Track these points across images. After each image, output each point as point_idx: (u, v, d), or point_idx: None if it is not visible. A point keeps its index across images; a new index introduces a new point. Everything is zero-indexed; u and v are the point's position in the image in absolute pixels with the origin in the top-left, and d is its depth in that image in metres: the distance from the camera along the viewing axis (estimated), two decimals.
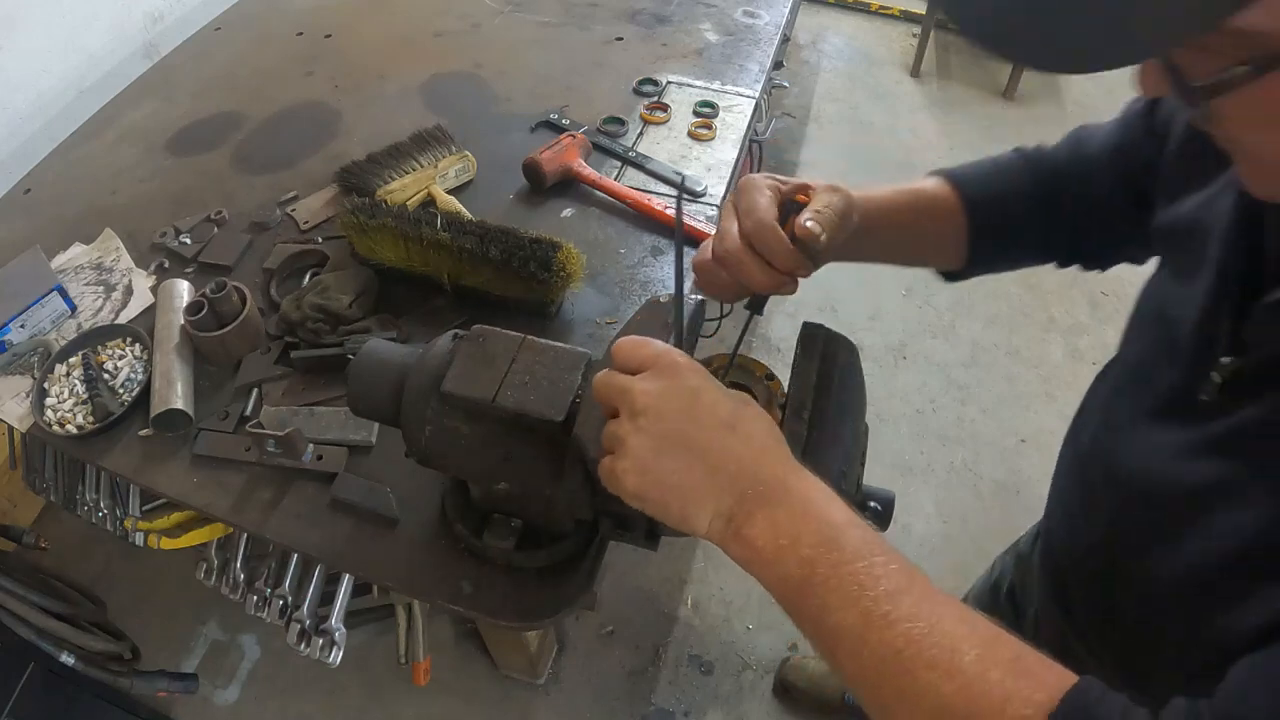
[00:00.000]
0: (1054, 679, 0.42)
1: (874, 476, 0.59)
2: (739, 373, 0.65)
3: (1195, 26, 0.34)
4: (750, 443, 0.50)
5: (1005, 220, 0.74)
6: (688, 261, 0.70)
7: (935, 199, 0.73)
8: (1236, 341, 0.52)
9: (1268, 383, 0.49)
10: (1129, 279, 2.67)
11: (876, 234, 0.69)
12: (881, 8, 3.68)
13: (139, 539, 1.06)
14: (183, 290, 1.07)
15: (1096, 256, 0.78)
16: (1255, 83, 0.37)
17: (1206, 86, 0.39)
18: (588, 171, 1.23)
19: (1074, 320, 2.43)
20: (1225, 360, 0.52)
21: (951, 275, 0.80)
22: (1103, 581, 0.67)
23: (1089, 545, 0.68)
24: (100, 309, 1.11)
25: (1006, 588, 0.95)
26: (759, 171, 1.74)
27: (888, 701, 0.44)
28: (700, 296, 0.73)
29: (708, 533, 0.50)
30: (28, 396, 1.01)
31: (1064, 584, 0.75)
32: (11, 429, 1.02)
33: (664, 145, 1.32)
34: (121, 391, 1.00)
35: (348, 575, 1.11)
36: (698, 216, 1.17)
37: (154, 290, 1.11)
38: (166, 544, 1.04)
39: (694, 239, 1.15)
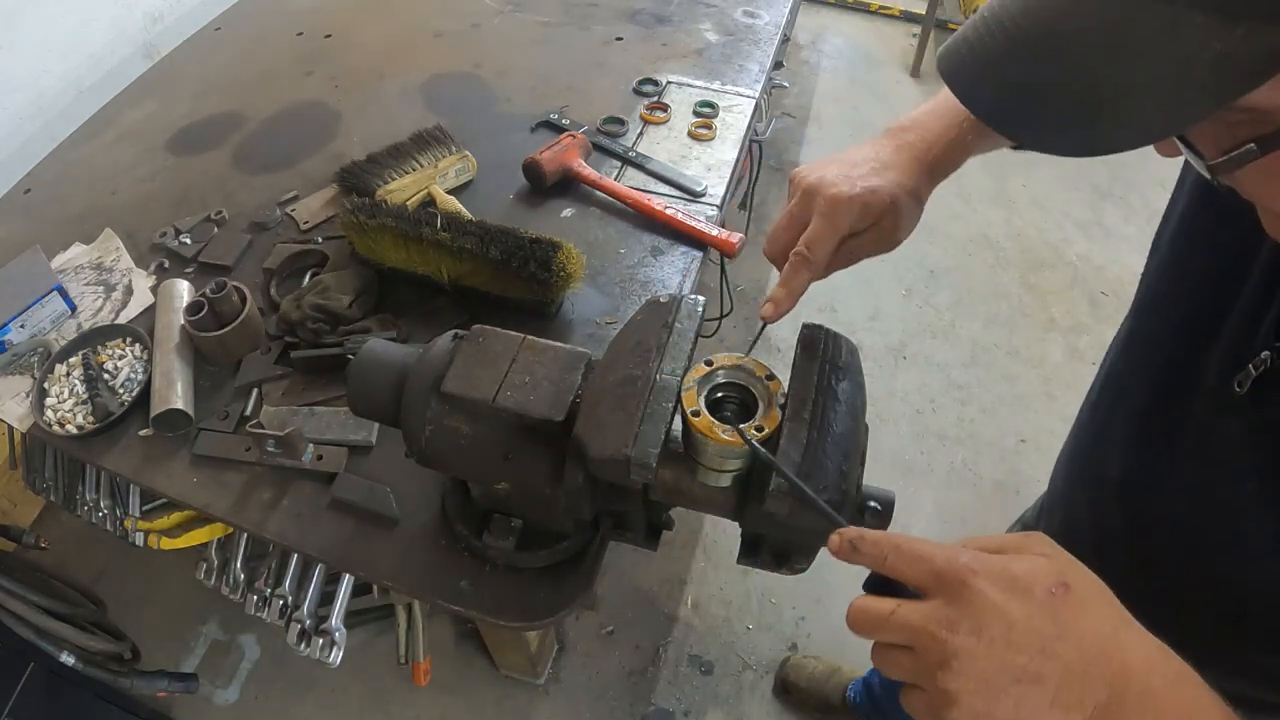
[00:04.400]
0: None
1: (874, 476, 0.59)
2: (741, 373, 0.65)
3: (1201, 113, 0.36)
4: (1086, 646, 0.42)
5: None
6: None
7: None
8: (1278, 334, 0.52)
9: None
10: (1129, 280, 2.67)
11: (955, 165, 0.71)
12: (881, 8, 3.68)
13: (139, 539, 1.06)
14: (183, 290, 1.07)
15: None
16: (1264, 157, 0.39)
17: (1219, 164, 0.41)
18: (588, 171, 1.23)
19: (1074, 320, 2.43)
20: (1265, 355, 0.52)
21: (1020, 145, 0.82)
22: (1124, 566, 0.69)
23: (1100, 532, 0.70)
24: (100, 309, 1.11)
25: None
26: (758, 171, 1.74)
27: None
28: (703, 299, 0.73)
29: None
30: (28, 396, 1.01)
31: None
32: (11, 429, 1.02)
33: (664, 145, 1.32)
34: (121, 391, 1.00)
35: (348, 575, 1.11)
36: (698, 216, 1.17)
37: (154, 290, 1.11)
38: (166, 544, 1.04)
39: (696, 239, 1.15)
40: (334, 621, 1.09)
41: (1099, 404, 0.76)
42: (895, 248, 0.69)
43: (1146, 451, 0.66)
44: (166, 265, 1.17)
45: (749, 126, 1.36)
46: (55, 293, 1.07)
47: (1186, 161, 0.63)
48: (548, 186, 1.23)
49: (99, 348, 1.05)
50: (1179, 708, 0.42)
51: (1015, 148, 0.78)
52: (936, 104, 0.73)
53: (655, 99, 1.40)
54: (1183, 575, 0.64)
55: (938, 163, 0.70)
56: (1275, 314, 0.52)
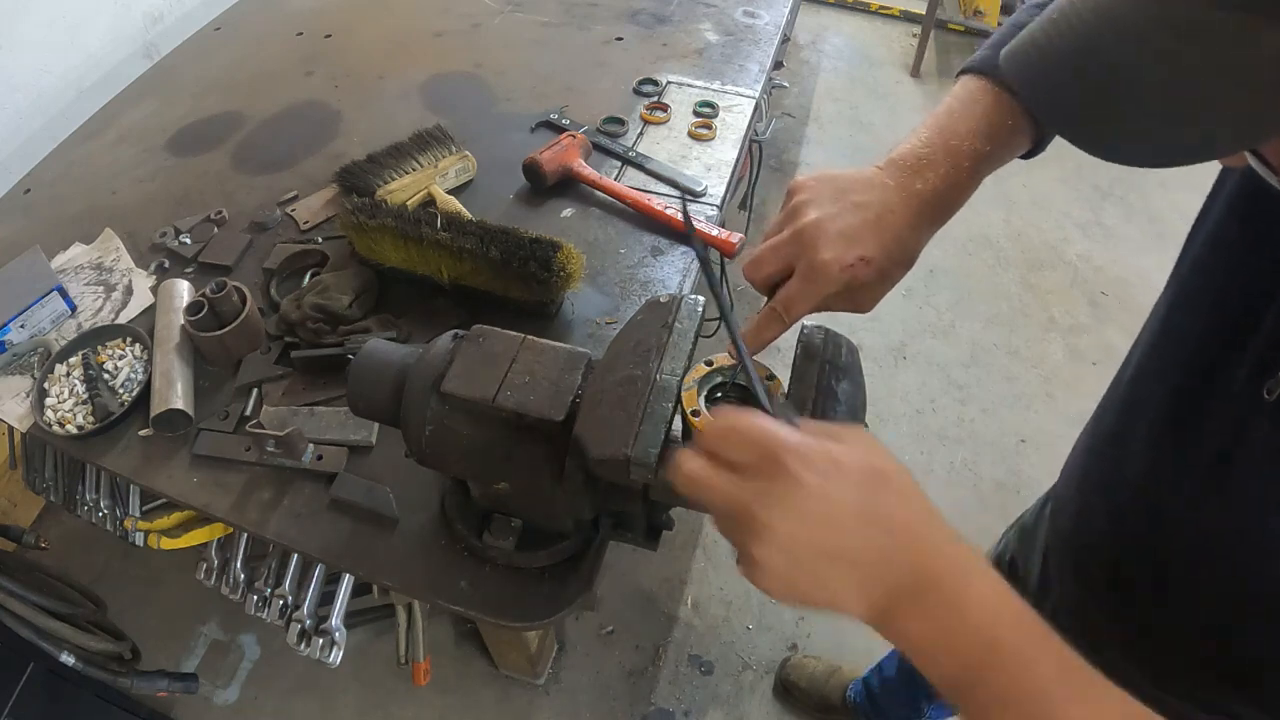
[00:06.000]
0: None
1: None
2: (741, 374, 0.65)
3: (1273, 128, 0.36)
4: (892, 532, 0.45)
5: None
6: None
7: (1003, 132, 0.68)
8: None
9: None
10: (1129, 279, 2.67)
11: (955, 210, 0.68)
12: (881, 8, 3.68)
13: (139, 539, 1.06)
14: (183, 290, 1.07)
15: None
16: None
17: None
18: (588, 171, 1.23)
19: (1074, 320, 2.43)
20: None
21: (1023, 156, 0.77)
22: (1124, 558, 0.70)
23: (1110, 530, 0.71)
24: (100, 309, 1.11)
25: (1008, 559, 0.97)
26: (758, 171, 1.74)
27: None
28: (703, 299, 0.73)
29: (863, 620, 0.47)
30: (28, 396, 1.01)
31: (1083, 561, 0.77)
32: (11, 429, 1.02)
33: (664, 145, 1.32)
34: (121, 391, 1.00)
35: (348, 575, 1.11)
36: (698, 217, 1.17)
37: (154, 290, 1.11)
38: (166, 544, 1.04)
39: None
40: (334, 621, 1.09)
41: (1119, 405, 0.74)
42: (870, 310, 0.66)
43: (1170, 454, 0.65)
44: (166, 265, 1.17)
45: (749, 126, 1.36)
46: (55, 293, 1.07)
47: (1224, 168, 0.61)
48: (548, 186, 1.23)
49: (99, 348, 1.05)
50: (981, 594, 0.45)
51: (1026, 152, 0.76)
52: (945, 132, 0.67)
53: (655, 99, 1.40)
54: (1200, 576, 0.64)
55: (941, 213, 0.66)
56: None
